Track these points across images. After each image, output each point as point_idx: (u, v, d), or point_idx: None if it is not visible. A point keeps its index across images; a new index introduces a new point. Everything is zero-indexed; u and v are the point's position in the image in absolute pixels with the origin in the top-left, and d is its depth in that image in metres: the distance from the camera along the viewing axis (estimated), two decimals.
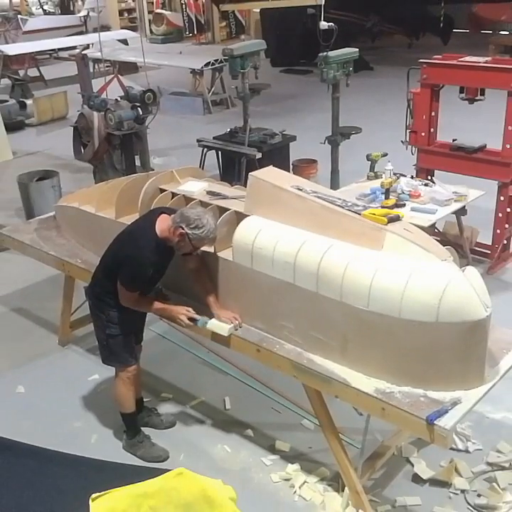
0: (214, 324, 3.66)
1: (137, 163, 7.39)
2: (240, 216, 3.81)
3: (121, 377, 3.91)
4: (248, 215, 3.75)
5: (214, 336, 3.77)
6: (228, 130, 7.88)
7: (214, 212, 3.97)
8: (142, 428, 4.10)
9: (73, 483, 2.16)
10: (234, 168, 7.33)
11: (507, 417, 4.19)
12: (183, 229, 3.46)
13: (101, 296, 3.79)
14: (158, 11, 22.03)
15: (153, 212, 3.78)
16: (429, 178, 5.94)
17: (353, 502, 3.53)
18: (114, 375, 3.99)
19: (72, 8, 20.53)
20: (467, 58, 5.84)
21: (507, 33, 16.51)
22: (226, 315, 3.67)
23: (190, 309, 3.67)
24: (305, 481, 3.75)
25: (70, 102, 11.99)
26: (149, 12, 22.41)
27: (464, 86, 5.89)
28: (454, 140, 6.09)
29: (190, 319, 3.65)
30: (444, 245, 3.34)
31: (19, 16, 17.00)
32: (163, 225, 3.58)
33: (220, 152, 7.77)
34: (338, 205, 3.48)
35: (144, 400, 4.36)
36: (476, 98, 5.89)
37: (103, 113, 6.88)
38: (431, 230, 5.03)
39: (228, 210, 3.90)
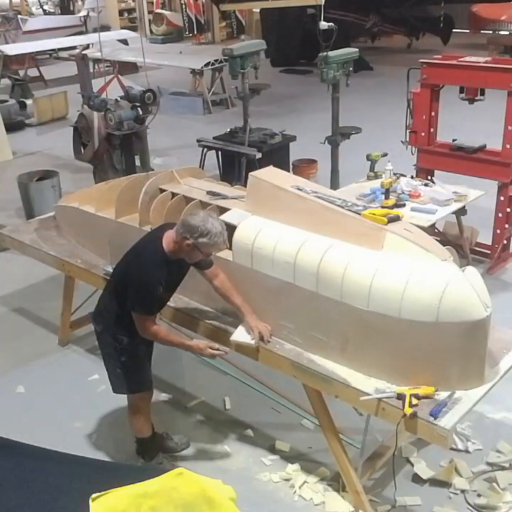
0: (238, 337, 3.58)
1: (137, 163, 7.40)
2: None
3: (136, 405, 3.73)
4: (230, 209, 3.79)
5: (216, 337, 3.79)
6: (228, 130, 7.88)
7: (214, 211, 3.97)
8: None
9: (73, 483, 2.15)
10: (234, 168, 7.33)
11: (507, 417, 4.19)
12: (188, 239, 3.29)
13: (112, 322, 3.56)
14: (158, 11, 22.04)
15: (159, 229, 3.58)
16: (429, 178, 5.94)
17: (353, 502, 3.53)
18: (128, 403, 3.78)
19: (72, 8, 20.52)
20: (467, 58, 5.84)
21: (507, 33, 16.53)
22: (256, 325, 3.51)
23: (211, 345, 3.50)
24: (305, 481, 3.75)
25: (70, 102, 11.99)
26: (149, 12, 22.42)
27: (463, 86, 5.89)
28: (454, 140, 6.09)
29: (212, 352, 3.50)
30: (444, 245, 3.34)
31: (19, 16, 17.00)
32: (169, 239, 3.40)
33: (220, 152, 7.77)
34: (338, 205, 3.48)
35: None
36: (476, 98, 5.88)
37: (103, 113, 6.88)
38: (431, 230, 5.03)
39: (228, 209, 3.90)
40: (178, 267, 3.51)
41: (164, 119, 10.29)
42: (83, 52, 12.31)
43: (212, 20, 20.71)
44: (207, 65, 12.25)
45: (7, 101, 12.14)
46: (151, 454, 3.86)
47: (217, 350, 3.49)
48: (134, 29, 19.12)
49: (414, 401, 2.99)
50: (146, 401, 3.77)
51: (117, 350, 3.58)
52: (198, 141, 7.90)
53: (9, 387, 4.71)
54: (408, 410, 2.97)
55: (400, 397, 3.04)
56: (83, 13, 17.43)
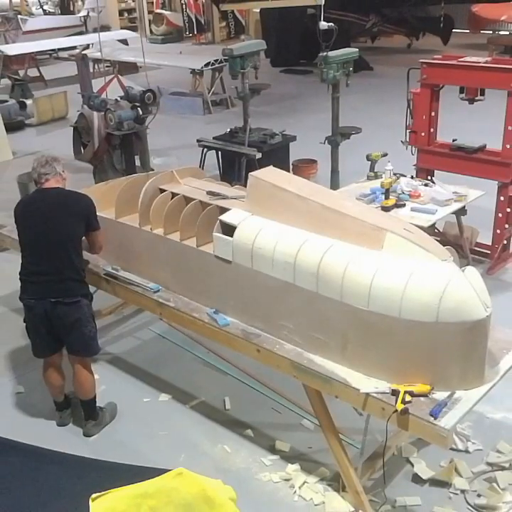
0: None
1: (137, 163, 7.39)
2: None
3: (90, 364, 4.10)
4: (230, 209, 3.81)
5: (214, 336, 3.78)
6: (228, 130, 7.88)
7: (214, 211, 3.97)
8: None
9: (73, 483, 2.16)
10: (234, 168, 7.33)
11: (507, 417, 4.19)
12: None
13: (78, 285, 3.94)
14: (158, 11, 22.06)
15: (44, 190, 4.12)
16: (429, 178, 5.94)
17: (353, 502, 3.53)
18: (84, 366, 4.05)
19: (72, 8, 20.53)
20: (467, 58, 5.84)
21: (507, 33, 16.53)
22: None
23: None
24: (305, 481, 3.75)
25: (70, 102, 11.99)
26: (149, 12, 22.44)
27: (463, 86, 5.89)
28: (454, 140, 6.09)
29: None
30: (444, 245, 3.34)
31: (19, 16, 17.01)
32: (57, 183, 4.07)
33: (220, 152, 7.77)
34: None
35: (144, 400, 4.38)
36: (476, 98, 5.88)
37: (103, 113, 6.88)
38: (431, 230, 5.03)
39: (228, 209, 3.90)
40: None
41: (164, 119, 10.29)
42: (83, 52, 12.33)
43: (212, 20, 20.73)
44: (207, 65, 12.25)
45: (7, 101, 12.14)
46: (97, 411, 4.13)
47: None
48: (134, 29, 19.16)
49: (408, 398, 3.00)
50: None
51: (89, 309, 3.99)
52: (198, 141, 7.90)
53: (9, 387, 4.71)
54: (400, 406, 2.98)
55: (395, 393, 3.05)
56: (83, 13, 17.44)
